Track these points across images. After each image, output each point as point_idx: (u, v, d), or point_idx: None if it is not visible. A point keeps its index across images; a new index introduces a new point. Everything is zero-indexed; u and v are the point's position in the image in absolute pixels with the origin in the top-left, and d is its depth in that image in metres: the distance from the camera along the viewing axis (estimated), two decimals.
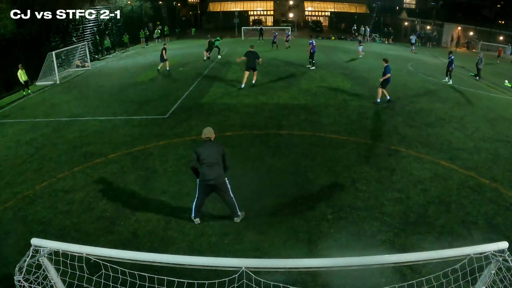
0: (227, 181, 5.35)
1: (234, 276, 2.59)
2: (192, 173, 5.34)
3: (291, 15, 54.21)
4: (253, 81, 14.24)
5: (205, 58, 20.92)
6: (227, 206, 5.53)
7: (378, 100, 12.03)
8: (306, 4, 55.92)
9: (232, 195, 5.43)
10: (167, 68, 17.68)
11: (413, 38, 29.45)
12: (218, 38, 22.46)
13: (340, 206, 6.01)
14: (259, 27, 35.07)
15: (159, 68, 17.56)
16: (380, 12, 44.43)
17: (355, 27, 37.96)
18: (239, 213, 5.59)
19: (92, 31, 24.01)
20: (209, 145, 5.22)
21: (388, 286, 3.58)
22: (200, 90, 13.81)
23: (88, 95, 13.98)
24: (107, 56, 24.74)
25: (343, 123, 10.08)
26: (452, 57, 15.29)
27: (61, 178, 7.19)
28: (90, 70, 19.77)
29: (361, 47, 23.56)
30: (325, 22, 52.87)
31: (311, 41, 18.47)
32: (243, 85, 13.83)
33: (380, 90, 11.96)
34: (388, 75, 11.68)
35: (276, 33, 27.61)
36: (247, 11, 52.93)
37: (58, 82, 16.43)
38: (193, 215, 5.56)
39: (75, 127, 10.21)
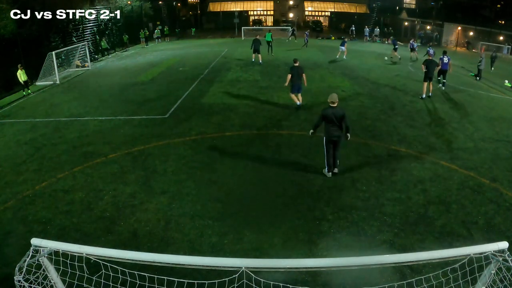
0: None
1: (234, 276, 2.59)
2: (313, 127, 6.98)
3: (291, 15, 54.23)
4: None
5: (260, 62, 18.99)
6: (334, 158, 6.96)
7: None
8: (306, 4, 55.96)
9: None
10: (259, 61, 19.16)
11: (414, 44, 27.94)
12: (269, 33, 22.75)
13: (340, 206, 6.01)
14: (292, 28, 35.43)
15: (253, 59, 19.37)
16: (380, 12, 44.41)
17: (354, 27, 37.84)
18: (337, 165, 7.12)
19: (92, 31, 24.00)
20: (334, 109, 6.62)
21: (388, 285, 3.57)
22: (200, 90, 13.80)
23: (88, 95, 13.98)
24: (103, 58, 24.61)
25: None
26: (446, 59, 13.43)
27: (61, 178, 7.19)
28: (90, 70, 19.78)
29: (343, 47, 21.03)
30: (325, 22, 52.90)
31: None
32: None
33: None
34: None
35: (307, 33, 29.66)
36: (247, 11, 52.93)
37: (58, 82, 16.43)
38: (326, 169, 7.02)
39: (75, 127, 10.21)
